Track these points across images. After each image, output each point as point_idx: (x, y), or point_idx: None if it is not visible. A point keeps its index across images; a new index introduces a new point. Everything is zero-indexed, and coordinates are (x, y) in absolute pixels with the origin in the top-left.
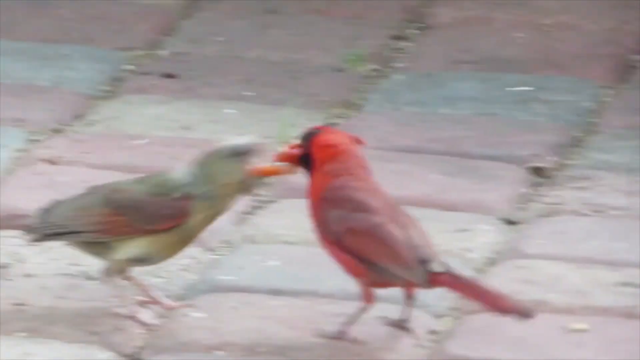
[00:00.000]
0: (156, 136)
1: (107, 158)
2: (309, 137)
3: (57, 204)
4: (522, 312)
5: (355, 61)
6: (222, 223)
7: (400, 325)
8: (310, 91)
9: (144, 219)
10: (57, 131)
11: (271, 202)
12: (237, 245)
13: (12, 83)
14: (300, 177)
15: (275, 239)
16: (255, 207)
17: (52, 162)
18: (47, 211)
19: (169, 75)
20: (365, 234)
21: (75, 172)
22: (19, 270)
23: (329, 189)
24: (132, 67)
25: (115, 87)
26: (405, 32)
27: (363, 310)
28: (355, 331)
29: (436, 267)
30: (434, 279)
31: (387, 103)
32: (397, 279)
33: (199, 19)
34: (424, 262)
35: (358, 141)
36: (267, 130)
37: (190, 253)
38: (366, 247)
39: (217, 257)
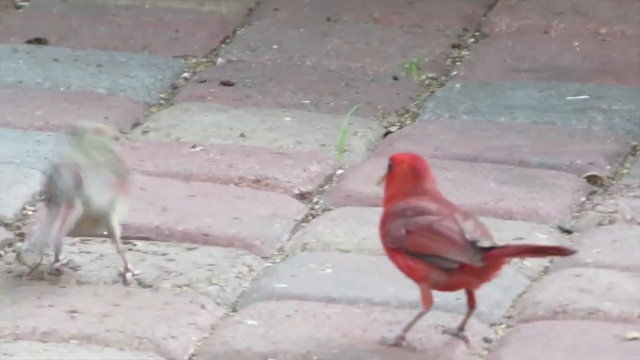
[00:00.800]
0: (213, 144)
1: (164, 166)
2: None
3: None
4: (563, 251)
5: (413, 69)
6: (278, 231)
7: (457, 334)
8: (368, 99)
9: None
10: (114, 139)
11: (326, 210)
12: (292, 253)
13: (70, 90)
14: (355, 185)
15: (329, 246)
16: (310, 215)
17: None
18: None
19: (226, 83)
20: (423, 230)
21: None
22: (72, 278)
23: (396, 205)
24: (189, 75)
25: (172, 94)
26: (463, 41)
27: (421, 315)
28: (411, 338)
29: (485, 243)
30: (487, 255)
31: (444, 111)
32: (457, 264)
33: (257, 26)
34: (474, 242)
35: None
36: (324, 138)
37: (245, 261)
38: (424, 244)
39: (272, 264)
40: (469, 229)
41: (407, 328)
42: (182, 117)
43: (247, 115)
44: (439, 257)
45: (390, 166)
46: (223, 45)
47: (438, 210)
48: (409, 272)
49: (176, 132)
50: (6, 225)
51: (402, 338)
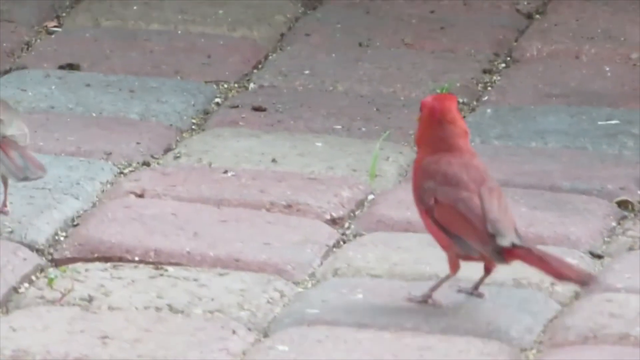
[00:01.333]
0: (244, 169)
1: (195, 191)
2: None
3: None
4: (581, 280)
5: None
6: (309, 256)
7: (471, 292)
8: (399, 124)
9: None
10: (145, 164)
11: (357, 235)
12: (323, 279)
13: (102, 116)
14: (386, 210)
15: (361, 272)
16: (341, 241)
17: (140, 194)
18: None
19: (258, 109)
20: (449, 207)
21: (163, 205)
22: (104, 303)
23: (427, 160)
24: (221, 100)
25: (204, 120)
26: (494, 66)
27: (447, 278)
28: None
29: (505, 242)
30: (507, 254)
31: (475, 136)
32: (477, 253)
33: (289, 52)
34: (496, 236)
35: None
36: (356, 163)
37: (276, 286)
38: (449, 221)
39: (303, 290)
40: (493, 211)
41: (434, 288)
42: (214, 143)
43: (279, 140)
44: (462, 239)
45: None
46: (255, 71)
47: (466, 183)
48: (435, 237)
49: (208, 158)
50: (38, 251)
51: (428, 296)
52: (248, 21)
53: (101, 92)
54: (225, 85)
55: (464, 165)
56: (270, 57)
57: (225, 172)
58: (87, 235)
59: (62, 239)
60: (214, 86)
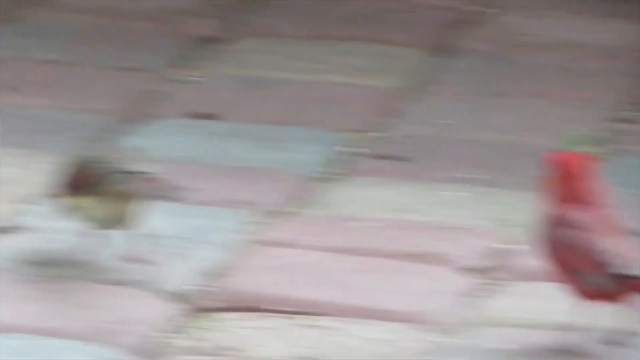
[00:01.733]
0: (377, 218)
1: (328, 240)
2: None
3: None
4: None
5: (577, 144)
6: (445, 306)
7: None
8: (533, 174)
9: None
10: (278, 214)
11: (495, 284)
12: (460, 329)
13: (241, 165)
14: (523, 260)
15: (498, 322)
16: (478, 290)
17: (284, 244)
18: None
19: (391, 157)
20: (566, 243)
21: (309, 255)
22: (252, 354)
23: (562, 211)
24: (353, 150)
25: (337, 169)
26: (628, 115)
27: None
28: None
29: (622, 270)
30: (623, 283)
31: (617, 184)
32: (594, 285)
33: (423, 101)
34: (612, 266)
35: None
36: (491, 212)
37: (412, 335)
38: (565, 257)
39: (440, 340)
40: (611, 249)
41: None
42: (345, 191)
43: (413, 189)
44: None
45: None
46: (389, 120)
47: (596, 228)
48: (561, 279)
49: (338, 207)
50: (184, 301)
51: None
52: (376, 69)
53: (239, 141)
54: (360, 135)
55: (597, 216)
56: (404, 107)
57: (356, 220)
58: (233, 285)
59: (207, 288)
60: (346, 135)
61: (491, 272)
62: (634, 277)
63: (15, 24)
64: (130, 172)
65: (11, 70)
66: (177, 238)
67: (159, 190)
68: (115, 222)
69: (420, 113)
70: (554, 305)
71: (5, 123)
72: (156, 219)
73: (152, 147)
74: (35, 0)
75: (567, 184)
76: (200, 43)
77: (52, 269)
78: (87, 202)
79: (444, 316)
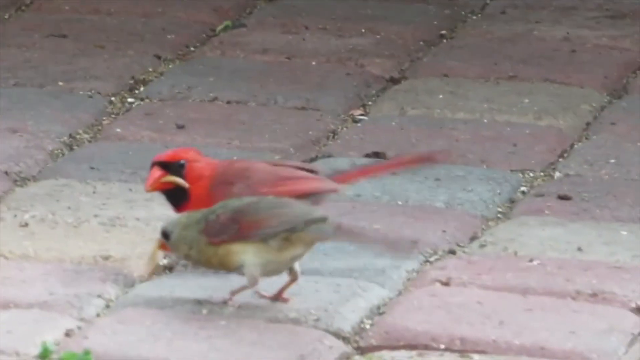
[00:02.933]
0: (550, 257)
1: (501, 279)
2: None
3: None
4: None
5: None
6: (614, 345)
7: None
8: None
9: None
10: (451, 252)
11: None
12: None
13: (407, 204)
14: None
15: None
16: None
17: (445, 283)
18: None
19: (564, 197)
20: (280, 182)
21: (469, 293)
22: None
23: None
24: (527, 189)
25: (510, 208)
26: None
27: None
28: None
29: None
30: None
31: None
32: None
33: (594, 141)
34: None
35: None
36: None
37: None
38: (289, 189)
39: None
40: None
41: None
42: (519, 231)
43: (585, 229)
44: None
45: (182, 165)
46: (560, 159)
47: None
48: None
49: (513, 246)
50: (344, 339)
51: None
52: (554, 110)
53: (407, 180)
54: (531, 174)
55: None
56: (575, 146)
57: (531, 260)
58: (393, 323)
59: (367, 327)
60: (520, 175)
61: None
62: None
63: (185, 62)
64: (312, 219)
65: (178, 108)
66: (342, 277)
67: (341, 237)
68: (283, 266)
69: (592, 153)
70: None
71: None
72: (321, 257)
73: None
74: (207, 39)
75: None
76: (377, 82)
77: (218, 308)
78: (255, 248)
79: (604, 355)
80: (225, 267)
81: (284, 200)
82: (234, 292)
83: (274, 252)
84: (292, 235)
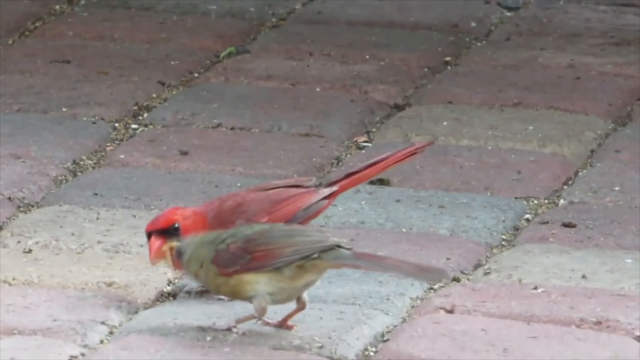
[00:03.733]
0: (554, 285)
1: (505, 307)
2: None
3: None
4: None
5: None
6: None
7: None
8: None
9: None
10: (455, 280)
11: None
12: None
13: (411, 232)
14: None
15: None
16: None
17: (450, 310)
18: None
19: (568, 225)
20: (276, 206)
21: (473, 321)
22: None
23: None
24: (531, 216)
25: (514, 235)
26: None
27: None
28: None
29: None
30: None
31: None
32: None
33: (598, 168)
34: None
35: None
36: None
37: None
38: (288, 210)
39: None
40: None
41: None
42: (523, 259)
43: (589, 257)
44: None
45: (177, 228)
46: (565, 187)
47: None
48: None
49: (518, 274)
50: None
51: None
52: (558, 137)
53: (411, 207)
54: (536, 201)
55: None
56: (580, 174)
57: (535, 288)
58: (397, 351)
59: (371, 354)
60: (524, 202)
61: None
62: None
63: (189, 88)
64: (328, 246)
65: (182, 134)
66: (346, 304)
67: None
68: (295, 294)
69: (596, 180)
70: None
71: (174, 187)
72: (325, 285)
73: (327, 212)
74: (211, 65)
75: None
76: (381, 109)
77: (221, 335)
78: (267, 277)
79: None
80: (236, 296)
81: (296, 227)
82: (239, 321)
83: (287, 281)
84: (307, 262)
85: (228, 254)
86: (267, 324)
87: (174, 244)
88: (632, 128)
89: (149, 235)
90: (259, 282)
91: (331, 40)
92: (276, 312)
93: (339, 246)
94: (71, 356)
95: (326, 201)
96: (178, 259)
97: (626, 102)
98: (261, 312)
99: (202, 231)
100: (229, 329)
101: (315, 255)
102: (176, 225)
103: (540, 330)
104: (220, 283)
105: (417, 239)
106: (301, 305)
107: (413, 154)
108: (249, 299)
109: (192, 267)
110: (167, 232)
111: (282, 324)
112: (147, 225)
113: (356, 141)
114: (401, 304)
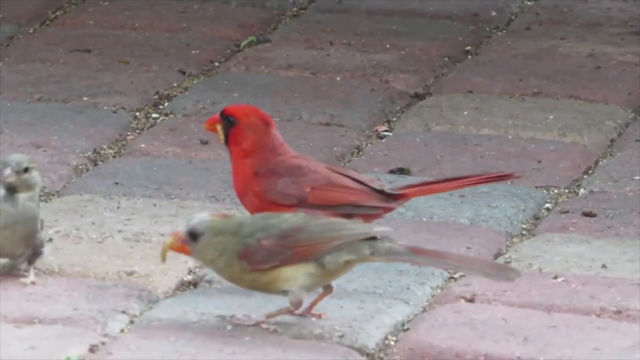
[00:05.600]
0: (575, 274)
1: (525, 296)
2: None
3: None
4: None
5: None
6: None
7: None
8: None
9: None
10: None
11: None
12: None
13: (432, 220)
14: None
15: None
16: None
17: (470, 299)
18: None
19: (589, 214)
20: (328, 186)
21: (494, 310)
22: None
23: (262, 165)
24: (551, 206)
25: (534, 225)
26: None
27: None
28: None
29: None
30: (399, 196)
31: None
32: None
33: (619, 157)
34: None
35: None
36: None
37: None
38: (334, 196)
39: None
40: (364, 178)
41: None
42: (544, 248)
43: (609, 246)
44: (354, 205)
45: (232, 122)
46: (585, 176)
47: (318, 167)
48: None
49: (538, 263)
50: (368, 355)
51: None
52: (578, 127)
53: (431, 196)
54: (556, 191)
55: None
56: (600, 163)
57: (556, 277)
58: (418, 340)
59: (392, 343)
60: (544, 191)
61: None
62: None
63: (209, 77)
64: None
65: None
66: (366, 293)
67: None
68: (327, 283)
69: (617, 170)
70: None
71: (194, 176)
72: (345, 275)
73: None
74: (232, 54)
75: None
76: (402, 98)
77: (244, 326)
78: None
79: None
80: (266, 290)
81: (336, 220)
82: (271, 315)
83: (327, 275)
84: (358, 257)
85: (263, 250)
86: (292, 313)
87: (219, 128)
88: None
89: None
90: (297, 277)
91: (351, 30)
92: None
93: (385, 238)
94: (92, 345)
95: (379, 210)
96: (190, 242)
97: None
98: (297, 305)
99: (216, 214)
100: (257, 325)
101: (368, 252)
102: (232, 119)
103: (560, 320)
104: (250, 278)
105: (437, 228)
106: (328, 290)
107: (494, 180)
108: (281, 292)
109: (208, 255)
110: (228, 118)
111: (308, 312)
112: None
113: (377, 130)
114: (421, 293)
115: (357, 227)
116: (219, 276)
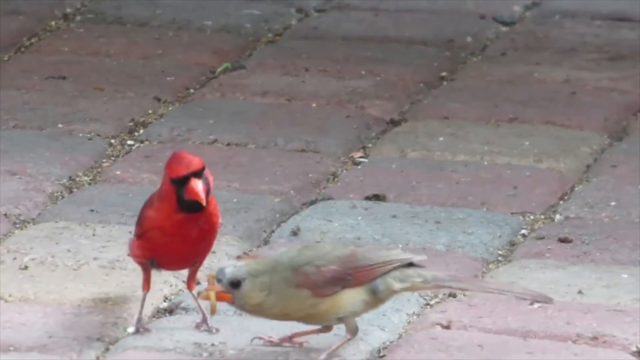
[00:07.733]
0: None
1: (501, 322)
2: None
3: None
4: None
5: None
6: None
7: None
8: None
9: None
10: (452, 295)
11: None
12: None
13: (407, 247)
14: None
15: None
16: None
17: (446, 326)
18: None
19: (564, 240)
20: None
21: (470, 336)
22: None
23: None
24: (527, 232)
25: (510, 251)
26: None
27: None
28: None
29: None
30: None
31: None
32: None
33: (595, 183)
34: None
35: None
36: None
37: None
38: None
39: None
40: None
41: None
42: (520, 274)
43: (585, 272)
44: None
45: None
46: (561, 202)
47: None
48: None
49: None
50: None
51: None
52: (554, 152)
53: (407, 223)
54: (532, 217)
55: None
56: (576, 189)
57: (532, 303)
58: None
59: None
60: (520, 217)
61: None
62: None
63: (184, 104)
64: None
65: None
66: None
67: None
68: None
69: (593, 195)
70: None
71: None
72: None
73: (323, 228)
74: (207, 81)
75: None
76: (377, 125)
77: (218, 352)
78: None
79: None
80: (321, 318)
81: (378, 246)
82: (333, 351)
83: (377, 302)
84: (404, 285)
85: (324, 277)
86: (271, 342)
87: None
88: (628, 143)
89: (185, 179)
90: (355, 303)
91: (327, 56)
92: (273, 329)
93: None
94: None
95: None
96: (232, 289)
97: (622, 117)
98: (354, 332)
99: (243, 258)
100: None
101: (418, 280)
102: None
103: (537, 346)
104: (310, 305)
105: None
106: (326, 330)
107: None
108: (335, 320)
109: (255, 297)
110: (201, 173)
111: (290, 340)
112: (176, 170)
113: (352, 157)
114: (397, 320)
115: (401, 253)
116: (261, 317)
